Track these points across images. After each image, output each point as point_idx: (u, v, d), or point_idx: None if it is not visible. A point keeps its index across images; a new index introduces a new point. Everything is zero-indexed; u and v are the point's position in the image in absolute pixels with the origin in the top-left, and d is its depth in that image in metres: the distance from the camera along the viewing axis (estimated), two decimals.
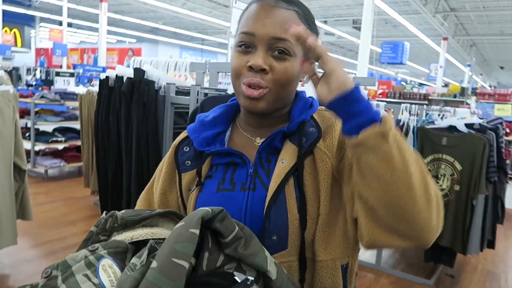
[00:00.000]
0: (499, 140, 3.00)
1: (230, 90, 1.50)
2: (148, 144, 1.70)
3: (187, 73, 1.92)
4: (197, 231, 0.57)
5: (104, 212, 0.73)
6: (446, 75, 21.87)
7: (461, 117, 3.14)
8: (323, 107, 0.87)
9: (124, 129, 1.74)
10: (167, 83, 1.70)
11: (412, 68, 24.70)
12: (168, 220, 0.77)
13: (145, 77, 1.69)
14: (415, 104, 3.66)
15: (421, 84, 18.53)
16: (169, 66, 1.91)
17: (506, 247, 4.22)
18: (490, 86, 26.47)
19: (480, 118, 3.59)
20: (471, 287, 3.23)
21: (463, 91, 9.83)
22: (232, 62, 0.79)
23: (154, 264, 0.55)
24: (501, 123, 3.25)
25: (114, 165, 1.86)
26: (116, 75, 1.78)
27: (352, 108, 0.67)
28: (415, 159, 0.69)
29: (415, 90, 10.58)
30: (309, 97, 0.89)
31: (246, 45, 0.77)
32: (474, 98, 8.19)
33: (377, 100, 10.13)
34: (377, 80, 13.08)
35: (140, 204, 0.94)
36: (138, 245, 0.67)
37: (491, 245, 3.15)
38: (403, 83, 13.39)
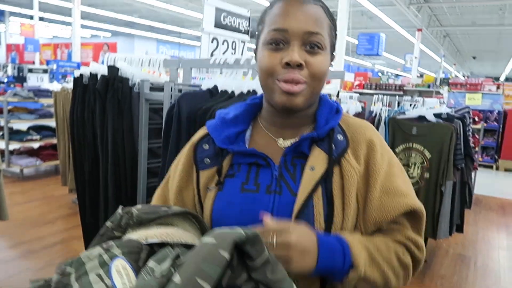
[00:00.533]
0: (465, 128, 3.13)
1: (204, 86, 1.55)
2: (124, 140, 1.72)
3: (161, 69, 1.94)
4: (228, 256, 0.55)
5: (120, 207, 0.73)
6: (422, 65, 22.34)
7: (430, 107, 3.26)
8: (345, 112, 0.89)
9: (100, 126, 1.76)
10: (141, 80, 1.72)
11: (388, 59, 25.13)
12: (183, 219, 0.76)
13: (119, 74, 1.72)
14: (391, 95, 3.80)
15: (397, 75, 18.87)
16: (143, 63, 1.94)
17: (475, 231, 4.41)
18: (464, 76, 27.18)
19: (450, 108, 3.73)
20: (442, 270, 3.38)
21: (436, 81, 10.10)
22: (263, 61, 0.77)
23: (177, 279, 0.53)
24: (468, 112, 3.39)
25: (90, 162, 1.88)
26: (90, 72, 1.80)
27: (322, 274, 0.72)
28: (386, 265, 0.76)
29: (390, 81, 10.78)
30: (333, 101, 0.89)
31: (277, 42, 0.76)
32: (446, 88, 8.42)
33: (354, 92, 10.30)
34: (354, 72, 13.25)
35: (155, 200, 0.93)
36: (152, 245, 0.66)
37: (460, 229, 3.30)
38: (380, 74, 13.66)
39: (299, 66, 0.74)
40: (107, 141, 1.74)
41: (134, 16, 17.01)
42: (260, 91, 1.46)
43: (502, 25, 15.13)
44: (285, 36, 0.75)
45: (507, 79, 27.82)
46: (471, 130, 3.25)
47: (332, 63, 0.85)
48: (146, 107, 1.71)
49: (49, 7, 14.94)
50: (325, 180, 0.77)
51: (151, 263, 0.59)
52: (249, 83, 1.44)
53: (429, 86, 10.00)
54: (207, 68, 2.06)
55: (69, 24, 14.13)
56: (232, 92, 1.44)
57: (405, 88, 10.27)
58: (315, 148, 0.80)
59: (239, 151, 0.82)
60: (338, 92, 2.06)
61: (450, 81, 9.45)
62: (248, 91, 1.41)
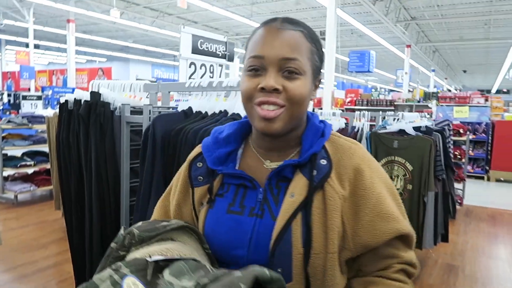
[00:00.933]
0: (445, 140, 3.24)
1: (180, 108, 1.65)
2: (106, 162, 1.81)
3: (142, 93, 2.05)
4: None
5: (123, 228, 0.77)
6: (413, 80, 22.70)
7: (409, 121, 3.36)
8: (336, 132, 0.89)
9: (84, 149, 1.85)
10: (122, 104, 1.83)
11: (380, 75, 25.50)
12: (182, 233, 0.81)
13: (101, 99, 1.83)
14: (382, 110, 3.96)
15: (391, 91, 19.16)
16: (124, 88, 2.06)
17: (465, 241, 4.45)
18: (456, 89, 27.57)
19: (436, 121, 3.84)
20: (430, 280, 3.41)
21: (425, 96, 10.30)
22: (242, 86, 0.80)
23: None
24: (448, 125, 3.49)
25: (76, 183, 1.96)
26: (75, 98, 1.91)
27: None
28: None
29: (381, 97, 10.97)
30: (321, 122, 0.89)
31: (256, 69, 0.78)
32: (434, 102, 8.60)
33: (346, 108, 10.47)
34: (346, 89, 13.46)
35: (157, 211, 0.97)
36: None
37: (445, 238, 3.36)
38: (373, 90, 13.91)
39: (276, 90, 0.76)
40: (91, 162, 1.83)
41: (129, 41, 17.32)
42: (231, 111, 1.56)
43: (488, 39, 15.51)
44: (262, 63, 0.77)
45: (498, 91, 28.20)
46: (451, 142, 3.35)
47: (318, 84, 0.86)
48: (127, 130, 1.81)
49: (45, 35, 15.23)
50: (305, 207, 0.77)
51: (168, 276, 0.64)
52: (222, 104, 1.55)
53: (419, 101, 10.19)
54: (190, 92, 2.15)
55: (65, 50, 14.37)
56: (206, 112, 1.54)
57: (395, 103, 10.46)
58: (297, 174, 0.81)
59: (227, 173, 0.85)
60: (313, 109, 2.16)
61: (439, 95, 9.63)
62: (220, 111, 1.52)
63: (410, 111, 8.50)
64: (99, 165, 1.80)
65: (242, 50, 17.50)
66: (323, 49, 0.88)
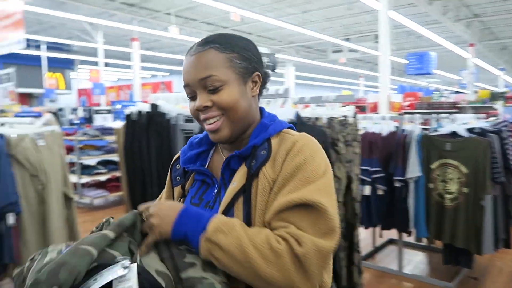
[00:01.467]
0: (503, 142, 3.10)
1: None
2: (164, 165, 2.04)
3: None
4: (95, 253, 0.72)
5: (104, 219, 0.91)
6: (481, 80, 21.30)
7: (463, 123, 3.27)
8: (291, 130, 0.95)
9: (146, 154, 2.10)
10: (177, 114, 2.05)
11: (443, 77, 24.21)
12: None
13: (159, 110, 2.07)
14: (444, 113, 3.90)
15: (457, 92, 18.13)
16: (178, 100, 2.30)
17: None
18: None
19: (503, 122, 3.63)
20: (494, 287, 3.26)
21: (493, 97, 9.66)
22: (189, 110, 0.94)
23: (59, 257, 0.72)
24: (505, 126, 3.33)
25: (140, 186, 2.21)
26: (137, 110, 2.17)
27: (181, 238, 0.82)
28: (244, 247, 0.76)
29: (442, 99, 10.48)
30: (273, 120, 0.96)
31: (190, 95, 0.92)
32: (501, 102, 8.06)
33: (405, 113, 10.12)
34: (403, 92, 13.01)
35: None
36: None
37: (507, 244, 3.19)
38: (434, 92, 13.30)
39: (206, 107, 0.88)
40: (152, 166, 2.07)
41: None
42: (281, 117, 1.68)
43: None
44: (190, 89, 0.90)
45: None
46: (510, 144, 3.18)
47: (259, 80, 0.93)
48: (181, 136, 2.03)
49: (113, 54, 16.46)
50: (244, 192, 0.86)
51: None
52: (273, 110, 1.69)
53: (484, 102, 9.59)
54: None
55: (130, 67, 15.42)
56: None
57: (459, 105, 9.92)
58: (242, 165, 0.90)
59: (193, 170, 0.98)
60: (355, 114, 2.23)
61: (507, 95, 9.00)
62: None
63: (475, 113, 8.01)
64: (159, 169, 2.04)
65: (297, 58, 17.65)
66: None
